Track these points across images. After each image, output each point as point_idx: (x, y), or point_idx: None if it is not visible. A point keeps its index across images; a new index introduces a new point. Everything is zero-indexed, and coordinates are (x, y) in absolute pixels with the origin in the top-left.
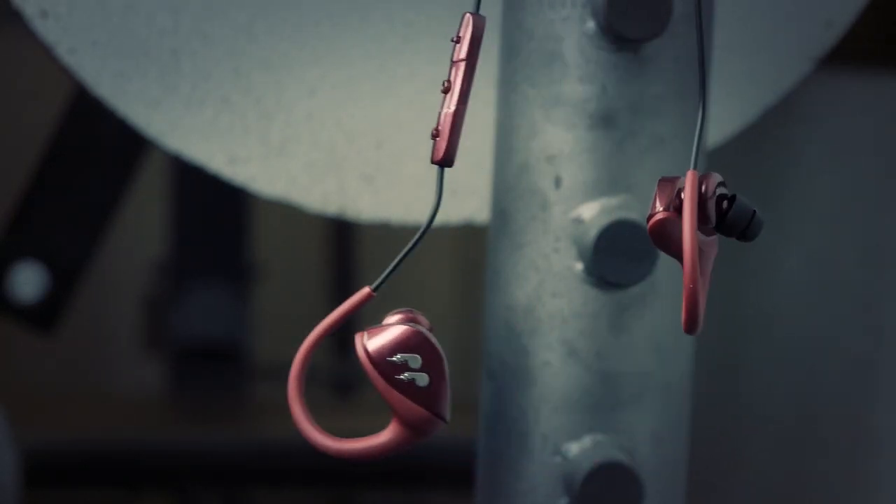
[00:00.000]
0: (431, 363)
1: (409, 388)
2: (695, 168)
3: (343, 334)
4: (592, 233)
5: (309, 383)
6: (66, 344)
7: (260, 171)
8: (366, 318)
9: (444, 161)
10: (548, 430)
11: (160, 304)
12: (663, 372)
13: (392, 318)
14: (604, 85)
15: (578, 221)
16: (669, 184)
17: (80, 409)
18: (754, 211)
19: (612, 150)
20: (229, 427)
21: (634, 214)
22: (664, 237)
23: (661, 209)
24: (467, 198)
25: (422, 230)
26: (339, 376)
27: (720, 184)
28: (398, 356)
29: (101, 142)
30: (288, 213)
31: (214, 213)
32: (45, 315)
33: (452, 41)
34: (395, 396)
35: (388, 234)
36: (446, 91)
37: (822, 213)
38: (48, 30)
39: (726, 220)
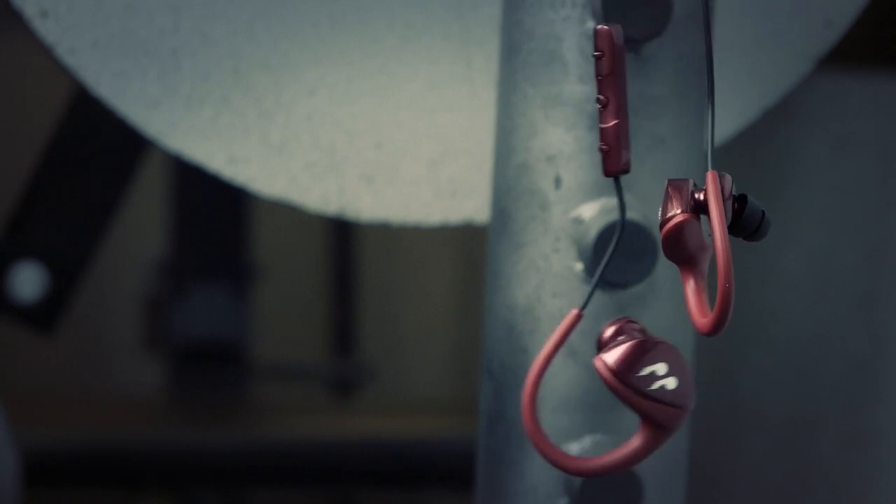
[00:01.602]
0: (675, 365)
1: (662, 396)
2: (712, 168)
3: (343, 334)
4: (592, 233)
5: (308, 383)
6: (66, 344)
7: (260, 171)
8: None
9: (621, 171)
10: (548, 430)
11: (160, 304)
12: None
13: (610, 330)
14: None
15: (578, 221)
16: (680, 186)
17: (80, 409)
18: (763, 211)
19: None
20: (229, 427)
21: (634, 214)
22: (679, 240)
23: (678, 211)
24: (467, 198)
25: (615, 239)
26: (339, 376)
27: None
28: (645, 370)
29: (101, 142)
30: (288, 213)
31: (214, 213)
32: (45, 315)
33: (595, 56)
34: (651, 406)
35: (388, 234)
36: (604, 106)
37: (822, 213)
38: (48, 30)
39: (740, 220)
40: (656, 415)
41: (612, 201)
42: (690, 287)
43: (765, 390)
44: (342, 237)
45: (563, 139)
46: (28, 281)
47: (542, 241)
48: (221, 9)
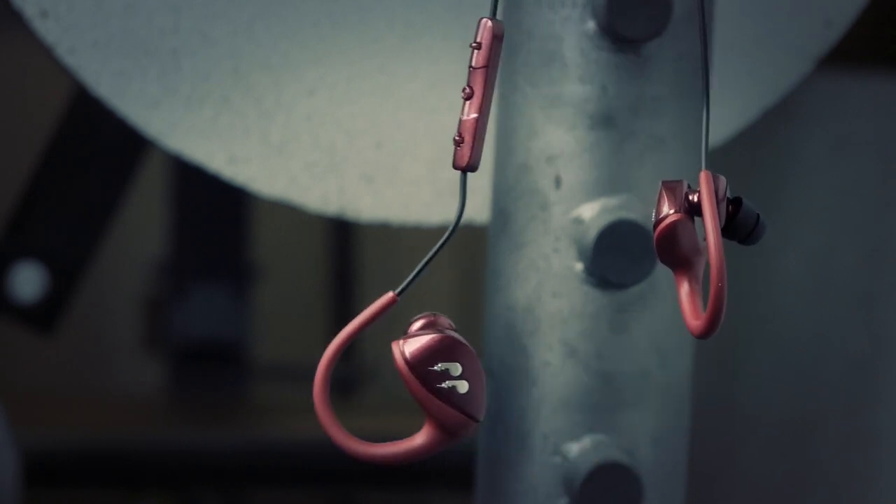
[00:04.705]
0: (470, 370)
1: (449, 396)
2: (705, 168)
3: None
4: (592, 233)
5: (309, 383)
6: (66, 344)
7: (260, 171)
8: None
9: (469, 167)
10: (548, 430)
11: (160, 304)
12: (663, 372)
13: (418, 324)
14: (604, 85)
15: (578, 221)
16: (674, 187)
17: (80, 409)
18: (759, 214)
19: (612, 151)
20: (229, 427)
21: (634, 214)
22: (672, 241)
23: (671, 212)
24: (467, 198)
25: (447, 235)
26: (339, 376)
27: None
28: (439, 365)
29: (101, 142)
30: (288, 213)
31: (214, 213)
32: (45, 315)
33: (471, 47)
34: (435, 403)
35: (388, 234)
36: (468, 97)
37: (822, 213)
38: (48, 30)
39: (734, 222)
40: (441, 415)
41: (613, 201)
42: (685, 290)
43: (765, 390)
44: (342, 237)
45: (563, 139)
46: (28, 281)
47: (542, 241)
48: (221, 9)
